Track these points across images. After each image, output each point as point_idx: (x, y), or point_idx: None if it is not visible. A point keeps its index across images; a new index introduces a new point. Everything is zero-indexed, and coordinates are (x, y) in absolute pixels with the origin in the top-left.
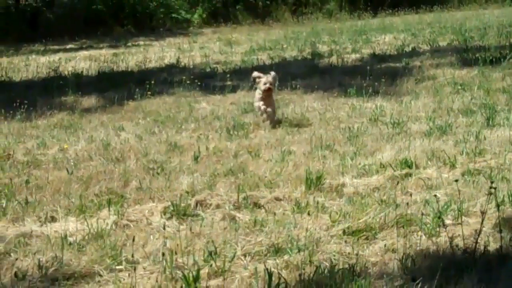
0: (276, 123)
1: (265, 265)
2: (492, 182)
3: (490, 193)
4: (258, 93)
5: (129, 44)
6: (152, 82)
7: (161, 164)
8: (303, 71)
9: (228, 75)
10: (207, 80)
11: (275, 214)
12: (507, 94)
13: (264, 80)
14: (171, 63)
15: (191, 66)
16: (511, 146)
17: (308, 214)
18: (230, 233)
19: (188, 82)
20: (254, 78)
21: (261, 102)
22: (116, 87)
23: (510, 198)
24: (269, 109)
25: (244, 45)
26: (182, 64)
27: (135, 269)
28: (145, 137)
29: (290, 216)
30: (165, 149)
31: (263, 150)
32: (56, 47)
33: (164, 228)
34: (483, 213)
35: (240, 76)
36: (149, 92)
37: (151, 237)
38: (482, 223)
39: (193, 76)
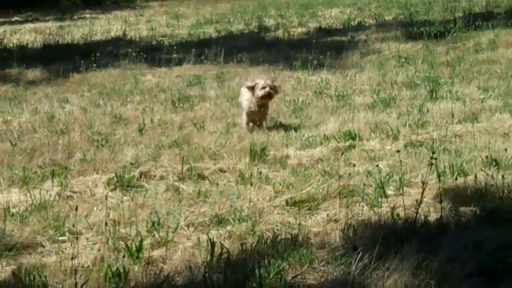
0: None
1: (208, 236)
2: (433, 153)
3: (431, 164)
4: (247, 101)
5: (75, 17)
6: (98, 54)
7: (105, 136)
8: (249, 45)
9: (175, 48)
10: (153, 53)
11: (218, 185)
12: (451, 67)
13: (262, 83)
14: (117, 36)
15: (137, 39)
16: (453, 118)
17: (251, 184)
18: (173, 204)
19: (134, 55)
20: (251, 88)
21: (247, 113)
22: (61, 59)
23: (451, 169)
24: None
25: (191, 18)
26: (128, 37)
27: (77, 239)
28: (90, 109)
29: (234, 187)
30: (110, 121)
31: (208, 122)
32: (1, 19)
33: (106, 199)
34: (424, 183)
35: (186, 49)
36: (94, 65)
37: (95, 208)
38: (422, 193)
39: (139, 49)
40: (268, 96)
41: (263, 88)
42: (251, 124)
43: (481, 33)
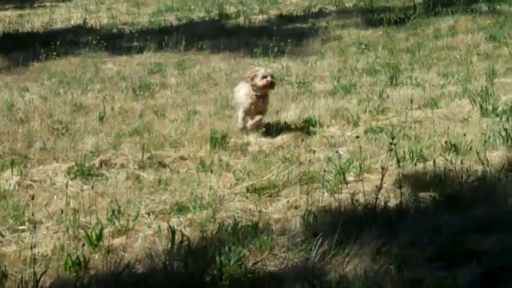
0: (260, 128)
1: (168, 223)
2: (392, 139)
3: (391, 150)
4: (244, 93)
5: (35, 5)
6: (58, 43)
7: (66, 125)
8: (210, 32)
9: (135, 36)
10: (114, 41)
11: (178, 172)
12: (411, 53)
13: (262, 72)
14: (77, 24)
15: (98, 27)
16: (412, 104)
17: (212, 172)
18: (134, 192)
19: (94, 43)
20: (251, 78)
21: (246, 107)
22: (21, 48)
23: (411, 154)
24: (257, 118)
25: (152, 6)
26: (89, 25)
27: (35, 228)
28: (50, 98)
29: (195, 174)
30: (70, 110)
31: (169, 110)
32: None
33: (66, 188)
34: (383, 169)
35: (147, 37)
36: (54, 53)
37: (55, 197)
38: (382, 179)
39: (100, 37)
40: (270, 86)
41: (264, 77)
42: (248, 120)
43: (441, 19)
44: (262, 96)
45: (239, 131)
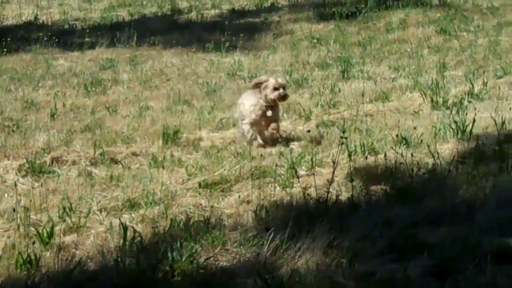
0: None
1: (120, 220)
2: (343, 132)
3: (342, 144)
4: (251, 104)
5: None
6: (9, 39)
7: (16, 122)
8: (162, 27)
9: (87, 32)
10: (66, 37)
11: (130, 168)
12: (362, 47)
13: (273, 83)
14: (28, 21)
15: (49, 23)
16: (364, 97)
17: (163, 167)
18: (86, 189)
19: (45, 39)
20: (257, 84)
21: (254, 119)
22: None
23: (362, 148)
24: (272, 127)
25: (104, 1)
26: (40, 21)
27: None
28: (1, 95)
29: (147, 170)
30: (21, 107)
31: (121, 106)
32: None
33: (16, 185)
34: (334, 163)
35: (99, 33)
36: (5, 50)
37: (5, 195)
38: (333, 173)
39: (51, 33)
40: (283, 99)
41: (275, 89)
42: (258, 136)
43: (392, 12)
44: (272, 106)
45: (245, 143)
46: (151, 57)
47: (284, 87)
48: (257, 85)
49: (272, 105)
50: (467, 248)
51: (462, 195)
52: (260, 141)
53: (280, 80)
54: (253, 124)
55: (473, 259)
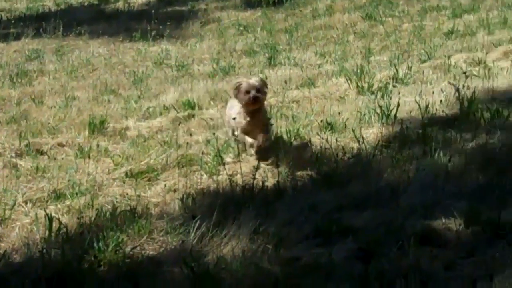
0: (267, 149)
1: (46, 211)
2: (269, 119)
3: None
4: (236, 113)
5: None
6: None
7: None
8: (89, 17)
9: (12, 23)
10: None
11: (56, 159)
12: (288, 34)
13: (244, 85)
14: None
15: None
16: (289, 84)
17: (89, 157)
18: (11, 181)
19: None
20: (237, 87)
21: (243, 127)
22: None
23: (288, 134)
24: (259, 139)
25: None
26: None
27: None
28: None
29: (73, 161)
30: None
31: (47, 97)
32: None
33: None
34: (260, 149)
35: (25, 24)
36: None
37: None
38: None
39: None
40: (254, 102)
41: (247, 92)
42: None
43: None
44: (253, 112)
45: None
46: (78, 47)
47: (257, 89)
48: (236, 93)
49: (252, 111)
50: (391, 231)
51: (386, 179)
52: (259, 142)
53: (252, 81)
54: (245, 132)
55: (397, 241)
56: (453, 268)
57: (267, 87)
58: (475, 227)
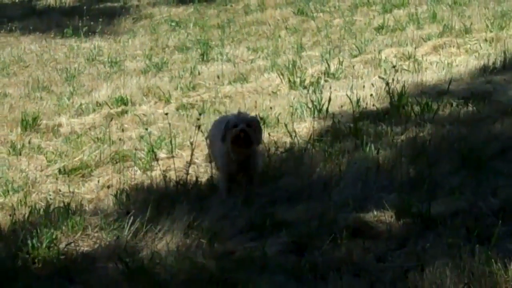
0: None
1: None
2: (200, 115)
3: (198, 126)
4: (224, 154)
5: None
6: None
7: None
8: (20, 13)
9: None
10: None
11: None
12: (221, 29)
13: (233, 119)
14: None
15: None
16: (223, 79)
17: (21, 154)
18: None
19: None
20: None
21: (225, 171)
22: None
23: None
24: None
25: None
26: None
27: None
28: None
29: (5, 158)
30: None
31: None
32: None
33: None
34: (192, 144)
35: None
36: None
37: None
38: (192, 154)
39: None
40: (239, 143)
41: (234, 126)
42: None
43: None
44: (242, 157)
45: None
46: (9, 44)
47: (242, 129)
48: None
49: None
50: (324, 224)
51: (318, 173)
52: (226, 193)
53: (241, 117)
54: (228, 179)
55: (329, 234)
56: (385, 260)
57: (260, 130)
58: (406, 219)
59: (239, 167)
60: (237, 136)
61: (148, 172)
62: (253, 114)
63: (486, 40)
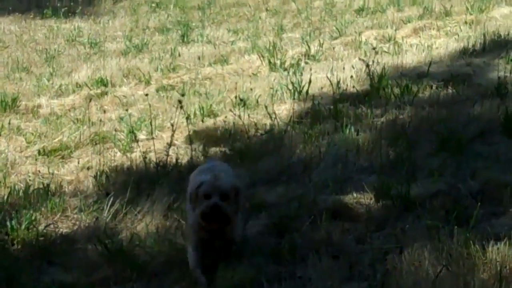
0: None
1: None
2: (182, 95)
3: (181, 107)
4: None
5: None
6: None
7: None
8: None
9: None
10: None
11: None
12: (201, 11)
13: (205, 187)
14: None
15: None
16: (203, 61)
17: (1, 135)
18: None
19: None
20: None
21: (193, 242)
22: None
23: (201, 111)
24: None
25: None
26: None
27: None
28: None
29: None
30: None
31: None
32: None
33: None
34: (173, 126)
35: None
36: None
37: None
38: (172, 136)
39: None
40: (213, 218)
41: (206, 196)
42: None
43: None
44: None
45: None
46: None
47: (223, 194)
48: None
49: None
50: (303, 206)
51: (298, 155)
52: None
53: (215, 182)
54: (197, 251)
55: (309, 216)
56: (364, 242)
57: (241, 199)
58: (386, 201)
59: (213, 234)
60: (208, 213)
61: (128, 154)
62: (233, 95)
63: (466, 22)
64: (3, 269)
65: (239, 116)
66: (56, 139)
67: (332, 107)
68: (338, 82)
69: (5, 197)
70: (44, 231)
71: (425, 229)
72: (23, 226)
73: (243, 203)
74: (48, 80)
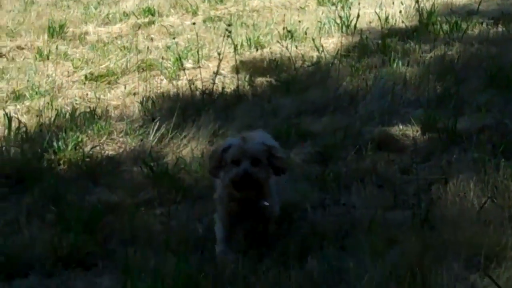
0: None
1: (5, 111)
2: (229, 25)
3: (228, 36)
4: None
5: None
6: None
7: None
8: None
9: None
10: None
11: (15, 61)
12: None
13: (233, 151)
14: None
15: None
16: None
17: (48, 59)
18: None
19: None
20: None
21: (222, 215)
22: None
23: (248, 42)
24: None
25: None
26: None
27: None
28: None
29: (32, 63)
30: None
31: (5, 1)
32: None
33: None
34: (220, 55)
35: None
36: None
37: None
38: (219, 65)
39: None
40: (244, 185)
41: (234, 162)
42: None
43: None
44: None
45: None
46: None
47: (255, 159)
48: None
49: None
50: (348, 136)
51: (345, 87)
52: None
53: (246, 144)
54: (226, 225)
55: (354, 146)
56: (409, 172)
57: (279, 158)
58: (432, 134)
59: (245, 209)
60: (238, 181)
61: (174, 81)
62: (280, 27)
63: None
64: (49, 187)
65: (286, 48)
66: (103, 65)
67: (380, 41)
68: (387, 17)
69: (52, 119)
70: (90, 152)
71: (471, 162)
72: (69, 147)
73: (281, 165)
74: (96, 9)
